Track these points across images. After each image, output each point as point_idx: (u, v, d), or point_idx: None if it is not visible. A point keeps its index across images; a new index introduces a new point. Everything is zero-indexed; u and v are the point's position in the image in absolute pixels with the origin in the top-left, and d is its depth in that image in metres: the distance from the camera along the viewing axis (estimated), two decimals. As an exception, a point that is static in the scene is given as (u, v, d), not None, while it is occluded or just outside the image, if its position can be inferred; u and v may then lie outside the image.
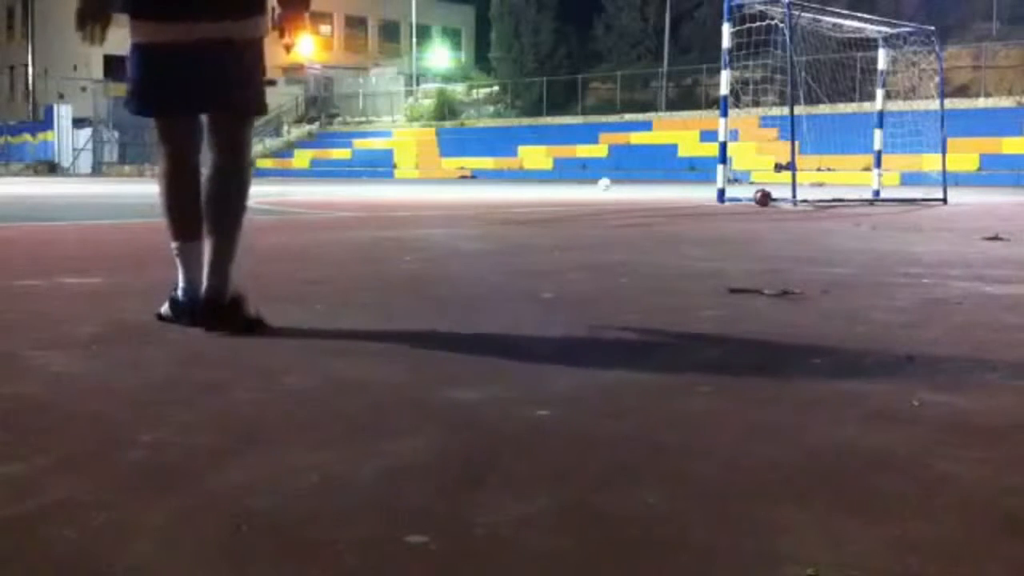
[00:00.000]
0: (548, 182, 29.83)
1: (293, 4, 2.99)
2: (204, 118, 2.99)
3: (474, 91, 48.63)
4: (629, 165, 33.74)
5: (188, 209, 2.96)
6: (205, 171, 2.98)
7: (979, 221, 9.44)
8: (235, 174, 2.99)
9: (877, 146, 15.28)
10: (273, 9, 2.98)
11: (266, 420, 1.95)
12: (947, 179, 14.33)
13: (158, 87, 2.92)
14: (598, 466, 1.67)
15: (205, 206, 2.94)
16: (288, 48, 3.03)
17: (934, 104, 15.70)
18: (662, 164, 33.18)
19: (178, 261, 2.97)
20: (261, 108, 3.07)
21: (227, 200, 2.96)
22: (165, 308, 2.99)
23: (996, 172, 26.77)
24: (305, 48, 3.17)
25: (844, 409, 2.07)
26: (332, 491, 1.52)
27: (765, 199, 12.26)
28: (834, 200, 13.40)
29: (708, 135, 28.53)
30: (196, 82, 2.89)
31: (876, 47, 14.84)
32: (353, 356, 2.61)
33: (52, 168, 42.37)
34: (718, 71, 14.13)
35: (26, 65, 49.12)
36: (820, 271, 4.81)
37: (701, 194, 15.61)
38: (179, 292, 2.97)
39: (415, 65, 50.36)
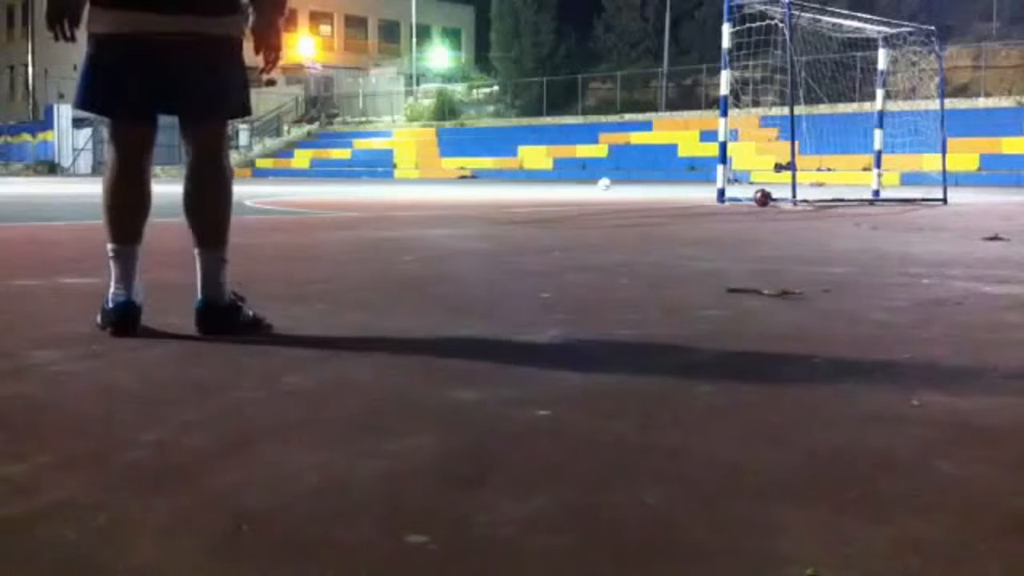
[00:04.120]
0: (548, 182, 29.82)
1: (266, 13, 2.81)
2: (169, 119, 2.82)
3: (474, 91, 48.63)
4: (629, 165, 33.73)
5: (130, 212, 2.82)
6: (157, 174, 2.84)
7: (979, 221, 9.44)
8: (213, 178, 2.86)
9: (877, 146, 15.28)
10: (247, 6, 2.82)
11: (266, 420, 1.95)
12: (947, 179, 14.32)
13: (114, 84, 2.72)
14: (598, 466, 1.67)
15: (187, 217, 2.84)
16: (267, 63, 2.84)
17: (934, 104, 15.70)
18: (662, 164, 33.17)
19: (112, 264, 2.80)
20: (237, 110, 2.90)
21: (209, 208, 2.85)
22: (99, 317, 2.84)
23: (996, 172, 26.75)
24: (279, 62, 2.93)
25: (844, 409, 2.07)
26: (332, 491, 1.52)
27: (765, 199, 12.26)
28: (834, 200, 13.40)
29: (708, 135, 28.54)
30: (158, 81, 2.71)
31: (876, 47, 14.84)
32: (353, 356, 2.61)
33: (52, 168, 42.32)
34: (718, 71, 14.13)
35: (26, 65, 49.13)
36: (820, 271, 4.81)
37: (701, 194, 15.61)
38: (109, 299, 2.81)
39: (415, 65, 50.35)
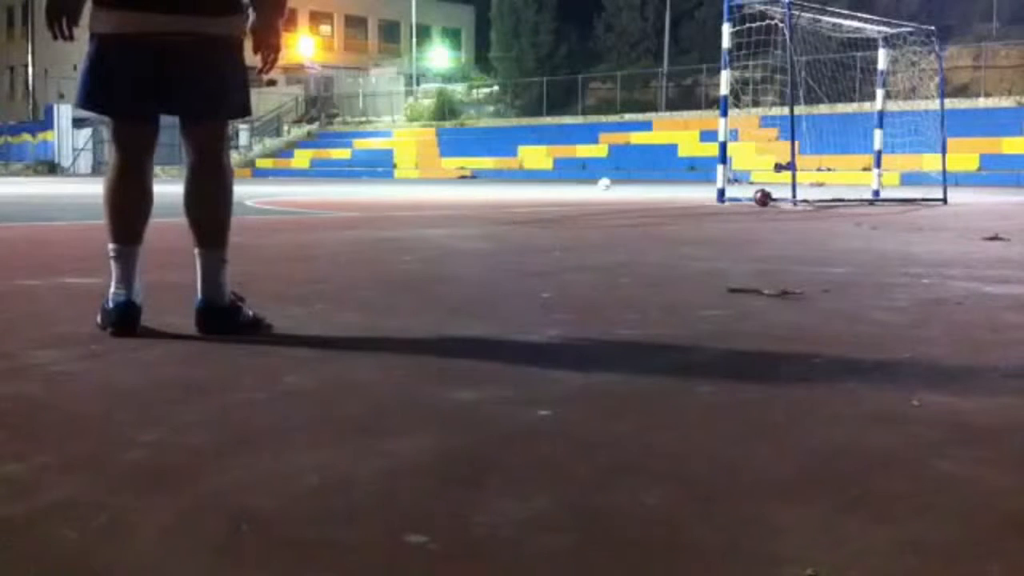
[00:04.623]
0: (548, 182, 29.82)
1: (266, 14, 2.80)
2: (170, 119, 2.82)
3: (474, 91, 48.62)
4: (629, 165, 33.73)
5: (132, 212, 2.82)
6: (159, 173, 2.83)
7: (979, 221, 9.44)
8: (213, 178, 2.86)
9: (877, 146, 15.27)
10: (247, 6, 2.81)
11: (266, 420, 1.95)
12: (947, 179, 14.33)
13: (116, 84, 2.72)
14: (598, 466, 1.67)
15: (188, 217, 2.84)
16: (266, 64, 2.83)
17: (934, 104, 15.70)
18: (662, 164, 33.17)
19: (113, 264, 2.80)
20: (238, 110, 2.90)
21: (209, 208, 2.85)
22: (99, 317, 2.85)
23: (996, 172, 26.75)
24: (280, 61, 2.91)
25: (844, 409, 2.07)
26: (332, 491, 1.52)
27: (765, 199, 12.26)
28: (834, 200, 13.40)
29: (708, 135, 28.54)
30: (159, 80, 2.71)
31: (876, 47, 14.84)
32: (353, 356, 2.61)
33: (52, 168, 42.33)
34: (718, 71, 14.13)
35: (26, 65, 49.13)
36: (820, 271, 4.81)
37: (701, 194, 15.61)
38: (109, 299, 2.81)
39: (415, 65, 50.35)
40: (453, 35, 59.63)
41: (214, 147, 2.87)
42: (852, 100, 23.21)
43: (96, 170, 41.43)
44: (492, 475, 1.61)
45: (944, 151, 14.76)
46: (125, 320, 2.78)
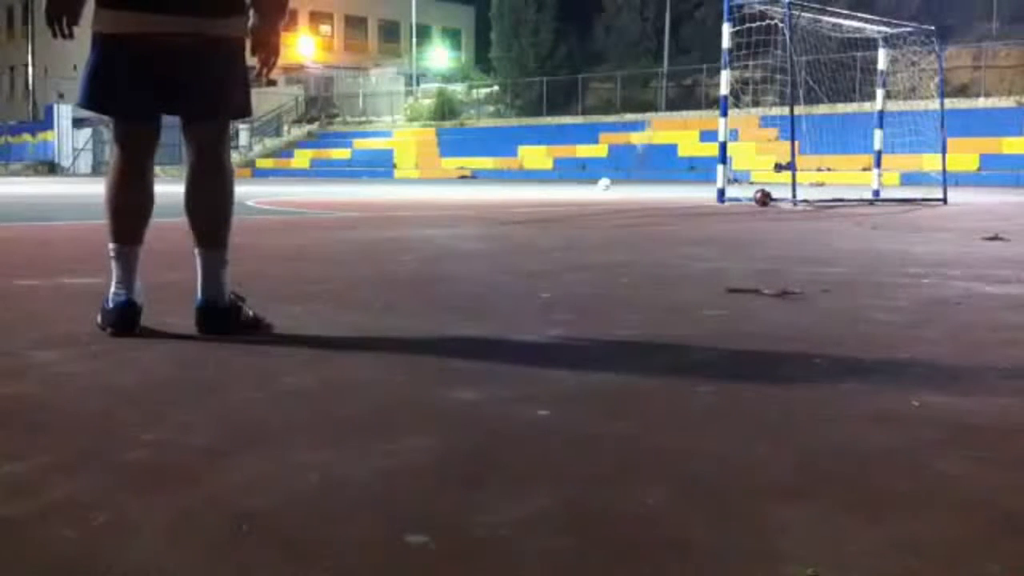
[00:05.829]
0: (548, 182, 29.81)
1: (266, 15, 2.79)
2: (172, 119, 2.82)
3: (474, 91, 48.61)
4: (629, 165, 33.73)
5: (132, 212, 2.82)
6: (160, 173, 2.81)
7: (979, 221, 9.44)
8: (214, 178, 2.86)
9: (877, 146, 15.28)
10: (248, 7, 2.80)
11: (266, 420, 1.95)
12: (947, 179, 14.33)
13: (117, 84, 2.73)
14: (598, 466, 1.67)
15: (188, 215, 2.84)
16: (263, 66, 2.82)
17: (934, 104, 15.70)
18: (662, 164, 33.16)
19: (113, 264, 2.81)
20: (238, 111, 2.90)
21: (210, 208, 2.85)
22: (99, 317, 2.85)
23: (996, 172, 26.75)
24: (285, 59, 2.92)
25: (844, 409, 2.07)
26: (332, 491, 1.52)
27: (765, 199, 12.26)
28: (834, 200, 13.40)
29: (708, 135, 28.55)
30: (160, 81, 2.71)
31: (876, 47, 14.84)
32: (353, 356, 2.61)
33: (52, 168, 42.38)
34: (718, 71, 14.13)
35: (26, 65, 49.15)
36: (820, 271, 4.81)
37: (701, 194, 15.61)
38: (109, 299, 2.81)
39: (415, 65, 50.35)
40: (453, 35, 59.63)
41: (215, 147, 2.87)
42: (852, 100, 23.21)
43: (96, 170, 41.44)
44: (492, 475, 1.61)
45: (944, 151, 14.76)
46: (125, 320, 2.78)
